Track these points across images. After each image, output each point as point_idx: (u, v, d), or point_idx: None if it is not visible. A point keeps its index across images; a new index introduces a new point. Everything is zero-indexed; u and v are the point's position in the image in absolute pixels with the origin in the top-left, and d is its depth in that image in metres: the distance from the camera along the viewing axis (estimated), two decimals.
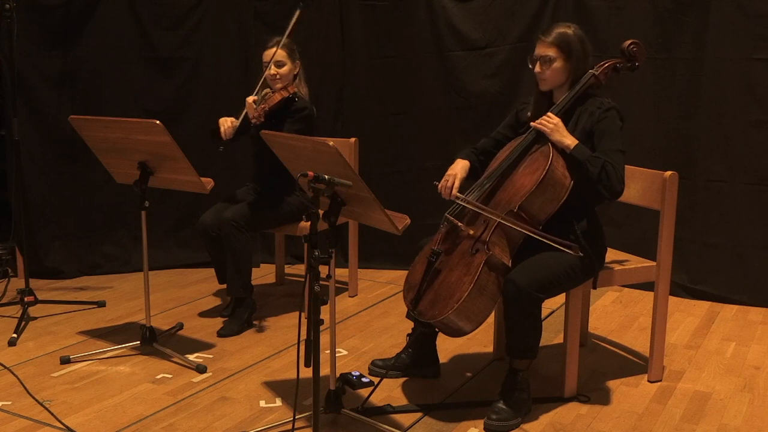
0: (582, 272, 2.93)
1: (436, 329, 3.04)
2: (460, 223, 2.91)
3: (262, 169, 3.97)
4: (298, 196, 3.89)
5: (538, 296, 2.77)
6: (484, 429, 2.81)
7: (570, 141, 2.82)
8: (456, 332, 2.86)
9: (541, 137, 2.90)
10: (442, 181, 2.99)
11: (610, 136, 2.84)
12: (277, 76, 3.80)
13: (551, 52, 2.91)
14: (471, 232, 2.87)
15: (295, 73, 3.90)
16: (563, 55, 2.91)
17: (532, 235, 2.78)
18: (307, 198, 3.75)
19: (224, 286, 3.94)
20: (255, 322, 3.90)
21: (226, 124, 3.75)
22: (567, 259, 2.86)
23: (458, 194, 2.93)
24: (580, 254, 2.79)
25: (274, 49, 3.82)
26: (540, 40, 2.96)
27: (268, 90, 3.82)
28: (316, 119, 3.91)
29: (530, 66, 2.99)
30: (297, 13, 3.76)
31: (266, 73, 3.82)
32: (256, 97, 3.74)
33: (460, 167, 3.04)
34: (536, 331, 2.86)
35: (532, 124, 2.93)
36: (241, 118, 3.75)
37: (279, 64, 3.81)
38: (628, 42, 3.01)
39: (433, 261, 2.90)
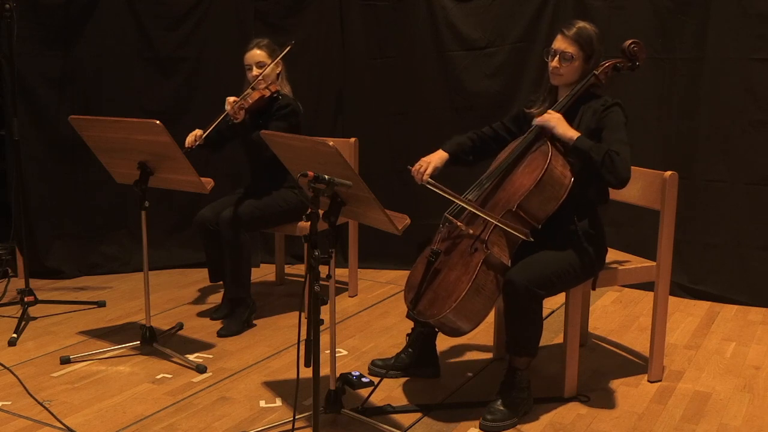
0: (583, 271, 2.93)
1: (436, 329, 3.04)
2: (459, 223, 2.91)
3: (258, 173, 3.98)
4: (297, 196, 3.90)
5: (538, 293, 2.77)
6: (480, 429, 2.81)
7: (573, 133, 2.81)
8: (455, 332, 2.86)
9: (542, 136, 2.90)
10: (416, 165, 3.02)
11: (614, 129, 2.83)
12: (259, 77, 3.81)
13: (572, 51, 2.90)
14: (470, 231, 2.87)
15: (278, 72, 3.90)
16: (584, 54, 2.91)
17: (490, 219, 2.80)
18: (306, 198, 3.76)
19: (216, 285, 3.94)
20: (255, 322, 3.90)
21: (190, 138, 3.76)
22: (567, 258, 2.87)
23: (430, 179, 2.95)
24: (532, 239, 2.80)
25: (255, 50, 3.85)
26: (561, 34, 2.94)
27: (249, 90, 3.81)
28: (301, 114, 3.92)
29: (546, 59, 2.98)
30: (288, 47, 3.82)
31: (248, 75, 3.85)
32: (237, 98, 3.73)
33: (437, 157, 3.06)
34: (536, 329, 2.86)
35: (534, 121, 2.93)
36: (218, 121, 3.71)
37: (260, 65, 3.83)
38: (629, 41, 3.00)
39: (433, 261, 2.89)
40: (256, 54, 3.84)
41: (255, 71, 3.82)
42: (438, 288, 2.85)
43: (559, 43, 2.94)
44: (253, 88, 3.79)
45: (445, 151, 3.10)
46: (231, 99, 3.71)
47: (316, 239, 2.42)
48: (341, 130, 4.82)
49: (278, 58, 3.84)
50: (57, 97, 4.58)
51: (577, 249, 2.90)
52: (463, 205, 2.86)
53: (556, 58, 2.93)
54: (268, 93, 3.79)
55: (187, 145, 3.74)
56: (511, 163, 2.94)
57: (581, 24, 2.96)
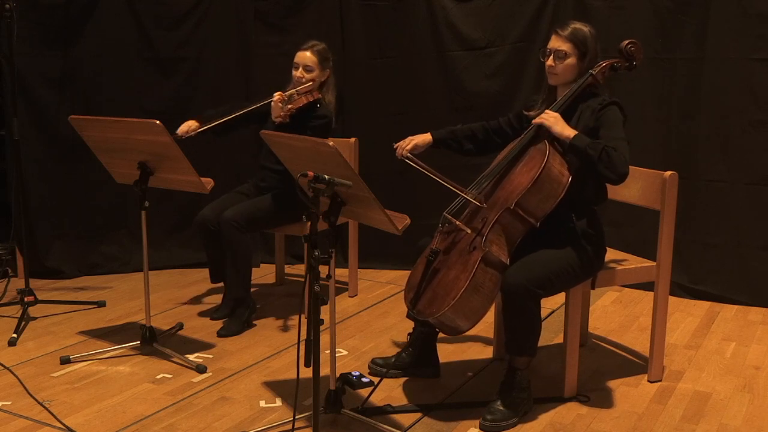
0: (581, 271, 2.93)
1: (435, 328, 3.04)
2: (458, 222, 2.92)
3: (273, 172, 3.94)
4: (299, 196, 3.89)
5: (536, 292, 2.77)
6: (480, 429, 2.81)
7: (570, 132, 2.82)
8: (453, 330, 2.86)
9: (540, 135, 2.91)
10: (400, 141, 3.18)
11: (610, 127, 2.84)
12: (303, 80, 3.81)
13: (566, 48, 2.94)
14: (469, 230, 2.88)
15: (323, 80, 3.88)
16: (578, 52, 2.94)
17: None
18: (307, 198, 3.76)
19: (216, 285, 3.93)
20: (255, 322, 3.90)
21: (183, 128, 3.74)
22: (566, 257, 2.87)
23: (408, 154, 3.11)
24: (484, 205, 2.87)
25: (307, 52, 3.83)
26: (556, 34, 2.98)
27: (294, 92, 3.80)
28: (332, 130, 3.91)
29: (542, 59, 3.01)
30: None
31: (293, 73, 3.84)
32: (284, 96, 3.73)
33: (421, 137, 3.22)
34: (535, 328, 2.86)
35: (533, 121, 2.94)
36: (244, 111, 3.74)
37: (307, 69, 3.82)
38: (626, 42, 3.02)
39: (432, 260, 2.90)
40: (306, 56, 3.82)
41: (300, 72, 3.81)
42: (437, 287, 2.85)
43: (554, 42, 2.98)
44: (298, 93, 3.79)
45: (432, 134, 3.21)
46: (278, 97, 3.69)
47: (316, 239, 2.43)
48: (341, 130, 4.81)
49: (314, 72, 3.83)
50: (57, 97, 4.58)
51: (576, 248, 2.90)
52: (439, 180, 2.90)
53: (551, 57, 2.97)
54: (311, 98, 3.79)
55: (179, 133, 3.72)
56: (509, 162, 2.96)
57: (576, 24, 3.00)
